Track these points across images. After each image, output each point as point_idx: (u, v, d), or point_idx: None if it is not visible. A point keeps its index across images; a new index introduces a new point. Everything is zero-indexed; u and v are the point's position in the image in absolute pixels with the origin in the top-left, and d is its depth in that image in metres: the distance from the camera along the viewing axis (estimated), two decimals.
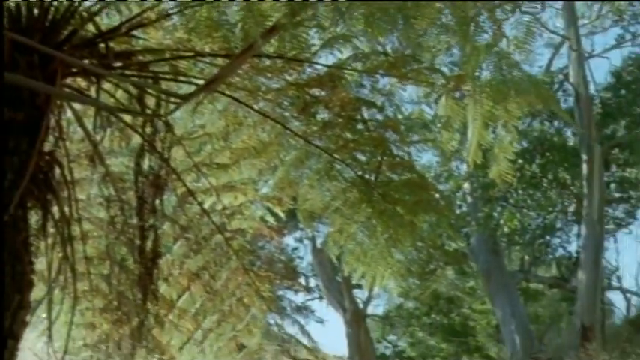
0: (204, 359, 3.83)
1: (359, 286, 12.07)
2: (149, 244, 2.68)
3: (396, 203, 3.72)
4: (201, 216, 3.63)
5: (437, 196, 4.71)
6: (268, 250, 9.58)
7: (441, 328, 17.02)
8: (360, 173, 3.80)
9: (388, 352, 17.90)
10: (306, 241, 14.86)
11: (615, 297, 17.66)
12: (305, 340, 10.05)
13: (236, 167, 3.61)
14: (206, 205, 3.65)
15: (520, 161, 12.73)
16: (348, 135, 3.61)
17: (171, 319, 3.67)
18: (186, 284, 3.61)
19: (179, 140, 3.26)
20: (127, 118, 2.96)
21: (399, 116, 10.89)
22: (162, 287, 3.50)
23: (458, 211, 14.06)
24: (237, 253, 3.80)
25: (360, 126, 3.69)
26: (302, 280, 14.69)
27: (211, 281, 3.72)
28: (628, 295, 17.43)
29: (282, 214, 4.22)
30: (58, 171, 2.68)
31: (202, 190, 3.65)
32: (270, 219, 4.41)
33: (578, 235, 13.29)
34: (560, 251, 15.55)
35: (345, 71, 3.39)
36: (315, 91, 3.49)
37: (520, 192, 13.39)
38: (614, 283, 17.23)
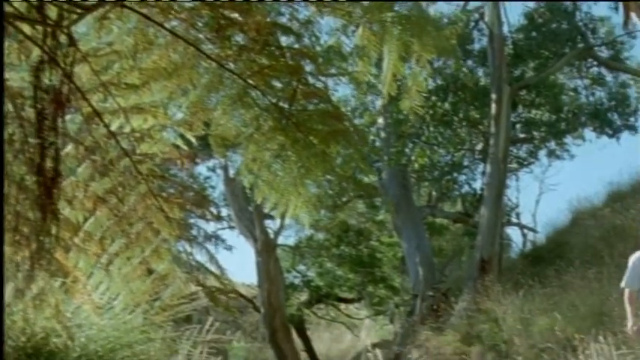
0: (111, 283, 3.76)
1: (270, 217, 12.16)
2: (49, 162, 2.55)
3: (310, 132, 3.71)
4: (109, 138, 3.49)
5: (351, 128, 4.72)
6: (180, 177, 9.44)
7: (349, 259, 17.48)
8: (274, 101, 3.76)
9: (297, 281, 18.29)
10: (219, 171, 14.78)
11: (513, 233, 18.67)
12: (214, 268, 10.09)
13: (146, 88, 3.46)
14: (113, 127, 3.51)
15: (433, 98, 12.98)
16: (264, 60, 3.53)
17: (76, 243, 3.56)
18: (91, 207, 3.49)
19: (84, 57, 3.08)
20: (27, 29, 2.76)
21: (317, 48, 10.82)
22: (66, 210, 3.38)
23: (371, 146, 14.28)
24: (147, 177, 3.69)
25: (276, 52, 3.62)
26: (213, 209, 14.65)
27: (119, 205, 3.62)
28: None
29: (193, 140, 4.13)
30: None
31: (110, 111, 3.49)
32: (183, 145, 4.32)
33: (484, 173, 13.76)
34: (465, 188, 16.14)
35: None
36: (231, 14, 3.37)
37: (431, 129, 13.70)
38: (513, 220, 18.16)
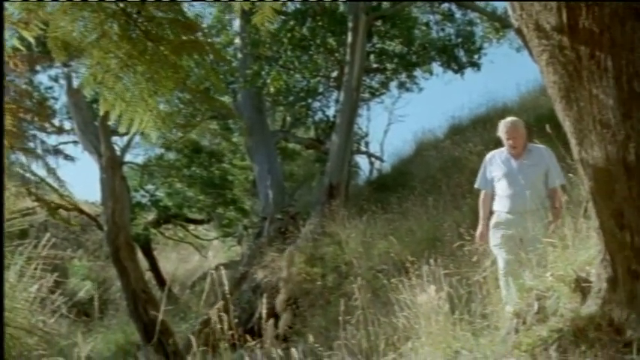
0: None
1: (117, 133, 11.64)
2: None
3: (160, 42, 3.51)
4: None
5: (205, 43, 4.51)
6: (17, 84, 8.68)
7: (200, 180, 17.29)
8: (121, 5, 3.49)
9: (144, 200, 17.87)
10: (62, 82, 13.81)
11: (362, 161, 19.33)
12: (53, 183, 9.54)
13: None
14: None
15: (292, 22, 12.83)
16: None
17: None
18: None
19: None
20: None
21: None
22: None
23: (228, 67, 13.96)
24: None
25: None
26: (55, 122, 13.78)
27: None
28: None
29: (32, 40, 3.77)
30: None
31: None
32: (20, 47, 3.95)
33: (337, 101, 13.97)
34: (319, 115, 16.39)
35: None
36: None
37: (289, 53, 13.60)
38: (362, 148, 18.78)
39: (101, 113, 3.74)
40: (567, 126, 2.68)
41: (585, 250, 3.45)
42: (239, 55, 14.23)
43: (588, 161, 2.62)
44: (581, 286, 3.07)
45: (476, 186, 5.53)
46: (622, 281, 2.64)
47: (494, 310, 4.04)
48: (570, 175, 5.01)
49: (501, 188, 5.28)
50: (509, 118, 5.37)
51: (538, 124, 6.10)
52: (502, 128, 5.29)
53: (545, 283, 3.42)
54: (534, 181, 5.11)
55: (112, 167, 8.14)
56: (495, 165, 5.36)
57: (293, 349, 3.97)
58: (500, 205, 5.27)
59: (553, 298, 3.26)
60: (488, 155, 5.47)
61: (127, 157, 16.03)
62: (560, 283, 3.26)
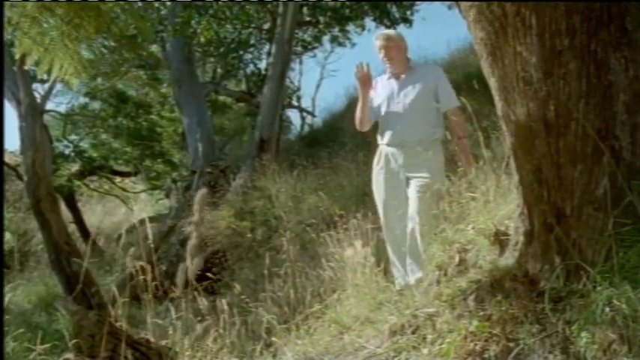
0: None
1: (38, 80, 11.14)
2: None
3: None
4: None
5: None
6: None
7: (127, 131, 16.83)
8: None
9: (68, 151, 17.28)
10: None
11: (293, 115, 19.29)
12: None
13: None
14: None
15: None
16: None
17: None
18: None
19: None
20: None
21: None
22: None
23: (156, 15, 13.52)
24: None
25: None
26: None
27: None
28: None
29: None
30: None
31: None
32: None
33: (269, 54, 13.79)
34: (251, 67, 16.16)
35: None
36: None
37: (220, 3, 13.27)
38: (294, 103, 18.71)
39: (17, 57, 3.55)
40: (492, 82, 2.73)
41: (506, 205, 3.56)
42: (168, 3, 13.77)
43: (511, 118, 2.68)
44: (500, 239, 3.17)
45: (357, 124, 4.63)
46: (537, 234, 2.74)
47: None
48: (494, 132, 5.10)
49: (383, 116, 4.48)
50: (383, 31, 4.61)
51: (467, 81, 6.13)
52: (375, 42, 4.47)
53: (467, 237, 3.52)
54: (419, 104, 4.31)
55: (31, 115, 7.80)
56: (378, 90, 4.54)
57: (219, 301, 3.98)
58: (382, 137, 4.48)
59: (473, 250, 3.36)
60: (373, 81, 4.59)
61: (49, 105, 15.43)
62: (481, 237, 3.36)
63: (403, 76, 4.44)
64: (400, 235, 4.24)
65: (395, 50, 4.41)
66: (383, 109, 4.45)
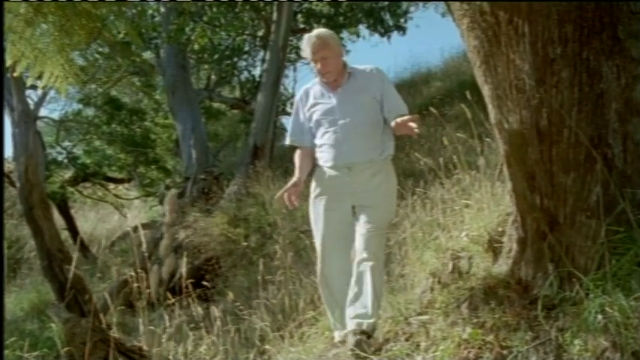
0: None
1: (32, 87, 11.11)
2: None
3: None
4: None
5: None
6: None
7: (121, 138, 16.80)
8: None
9: (61, 157, 17.23)
10: None
11: (287, 122, 19.25)
12: None
13: None
14: None
15: None
16: None
17: None
18: None
19: None
20: None
21: None
22: None
23: (150, 21, 13.52)
24: None
25: None
26: None
27: None
28: None
29: None
30: None
31: None
32: None
33: (263, 61, 13.79)
34: (245, 74, 16.16)
35: None
36: None
37: (214, 9, 13.28)
38: (288, 109, 18.70)
39: (7, 64, 3.54)
40: (486, 90, 2.74)
41: (499, 212, 3.57)
42: (162, 10, 13.76)
43: (504, 125, 2.69)
44: (494, 247, 3.18)
45: (287, 141, 3.90)
46: (531, 241, 2.75)
47: (413, 271, 4.14)
48: (488, 139, 5.10)
49: (321, 134, 3.66)
50: (316, 31, 3.70)
51: (461, 90, 6.06)
52: (305, 46, 3.62)
53: (460, 244, 3.52)
54: (367, 119, 3.56)
55: (24, 122, 7.79)
56: (309, 104, 3.72)
57: (213, 308, 3.96)
58: (322, 159, 3.66)
59: (467, 258, 3.37)
60: (299, 93, 3.83)
61: (42, 112, 15.38)
62: (475, 244, 3.37)
63: (341, 88, 3.64)
64: (337, 283, 3.53)
65: (334, 60, 3.61)
66: (322, 129, 3.65)
